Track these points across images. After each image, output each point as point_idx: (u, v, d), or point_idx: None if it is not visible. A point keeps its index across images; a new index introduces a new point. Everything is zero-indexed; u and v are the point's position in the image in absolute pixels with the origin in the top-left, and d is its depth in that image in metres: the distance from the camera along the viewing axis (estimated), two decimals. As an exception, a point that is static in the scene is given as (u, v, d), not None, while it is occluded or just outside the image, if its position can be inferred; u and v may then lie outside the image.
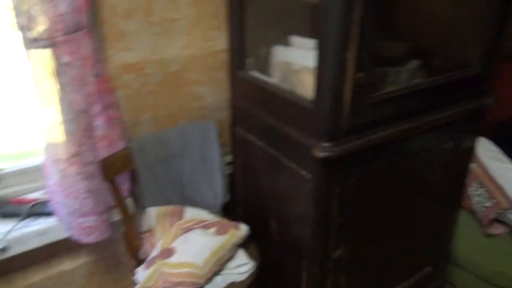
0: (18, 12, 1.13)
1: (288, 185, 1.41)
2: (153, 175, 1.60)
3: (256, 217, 1.66)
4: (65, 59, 1.22)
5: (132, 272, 1.41)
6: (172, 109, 1.62)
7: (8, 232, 1.39)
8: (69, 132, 1.30)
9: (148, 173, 1.59)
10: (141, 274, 1.35)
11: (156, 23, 1.44)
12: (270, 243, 1.59)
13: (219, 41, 1.58)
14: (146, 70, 1.50)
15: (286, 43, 1.35)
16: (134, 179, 1.58)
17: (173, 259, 1.35)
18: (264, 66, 1.43)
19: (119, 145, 1.50)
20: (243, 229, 1.50)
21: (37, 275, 1.52)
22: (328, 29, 1.04)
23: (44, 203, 1.48)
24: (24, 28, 1.15)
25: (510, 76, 2.32)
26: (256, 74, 1.45)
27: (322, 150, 1.16)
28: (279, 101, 1.33)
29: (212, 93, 1.68)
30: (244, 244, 1.51)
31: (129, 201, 1.61)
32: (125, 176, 1.58)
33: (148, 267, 1.36)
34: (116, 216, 1.57)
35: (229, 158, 1.78)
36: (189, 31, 1.52)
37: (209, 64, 1.61)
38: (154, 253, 1.42)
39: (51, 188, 1.42)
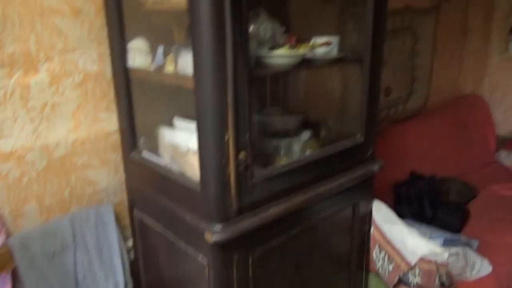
0: None
1: (187, 270, 1.32)
2: (40, 273, 1.43)
3: (161, 306, 1.53)
4: None
5: None
6: (61, 197, 1.50)
7: None
8: None
9: (33, 271, 1.41)
10: None
11: (34, 109, 1.35)
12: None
13: (109, 122, 1.53)
14: (26, 157, 1.38)
15: (172, 124, 1.33)
16: (17, 279, 1.39)
17: None
18: (155, 146, 1.39)
19: (-5, 244, 1.33)
20: (143, 324, 1.36)
21: None
22: (204, 112, 1.04)
23: None
24: None
25: (403, 136, 2.51)
26: (148, 155, 1.40)
27: (213, 233, 1.11)
28: (170, 183, 1.28)
29: (106, 176, 1.58)
30: None
31: (10, 306, 1.40)
32: (5, 278, 1.39)
33: None
34: (-7, 326, 1.35)
35: (131, 242, 1.66)
36: (75, 114, 1.45)
37: (100, 146, 1.54)
38: None
39: None
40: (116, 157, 1.58)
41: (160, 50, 1.22)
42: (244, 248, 1.21)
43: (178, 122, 1.26)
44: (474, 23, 3.12)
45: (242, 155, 1.08)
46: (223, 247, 1.16)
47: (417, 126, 2.58)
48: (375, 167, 1.49)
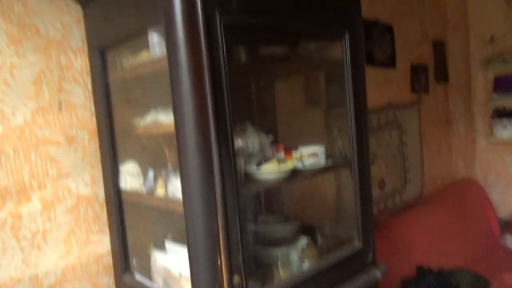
0: None
1: None
2: None
3: None
4: None
5: None
6: (49, 331, 1.41)
7: None
8: None
9: None
10: None
11: (25, 238, 1.33)
12: None
13: (102, 244, 1.49)
14: (14, 290, 1.33)
15: (164, 248, 1.30)
16: None
17: None
18: (148, 269, 1.34)
19: None
20: None
21: None
22: (195, 237, 1.02)
23: None
24: None
25: (404, 228, 2.46)
26: (140, 278, 1.35)
27: None
28: (164, 310, 1.21)
29: (98, 301, 1.51)
30: None
31: None
32: None
33: None
34: None
35: None
36: (66, 239, 1.42)
37: (92, 270, 1.48)
38: None
39: None
40: (108, 280, 1.51)
41: (151, 174, 1.24)
42: None
43: (170, 246, 1.23)
44: (456, 111, 3.25)
45: (236, 279, 1.04)
46: None
47: (417, 216, 2.55)
48: (378, 274, 1.42)
